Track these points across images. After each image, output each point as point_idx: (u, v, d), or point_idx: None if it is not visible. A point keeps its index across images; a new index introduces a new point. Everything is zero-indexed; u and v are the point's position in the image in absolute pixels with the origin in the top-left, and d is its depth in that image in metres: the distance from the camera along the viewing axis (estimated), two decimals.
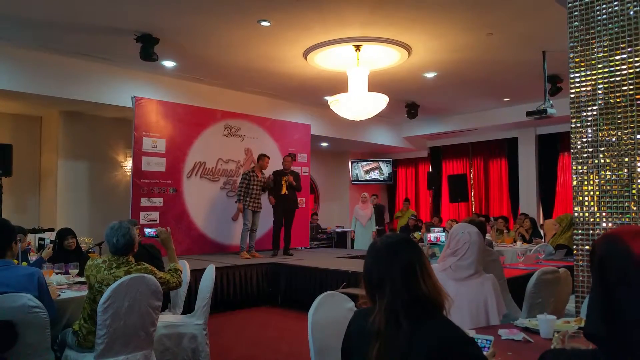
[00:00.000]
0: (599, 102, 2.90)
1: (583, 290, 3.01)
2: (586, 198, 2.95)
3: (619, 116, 2.83)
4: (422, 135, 11.53)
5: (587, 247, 2.98)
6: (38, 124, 8.36)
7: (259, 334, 5.11)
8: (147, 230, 3.71)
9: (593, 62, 2.93)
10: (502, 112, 9.92)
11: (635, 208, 2.76)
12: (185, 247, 7.37)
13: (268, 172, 7.63)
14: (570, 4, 3.04)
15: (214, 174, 8.02)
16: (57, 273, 3.82)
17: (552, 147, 10.32)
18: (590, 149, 2.93)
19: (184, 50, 6.48)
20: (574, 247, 3.06)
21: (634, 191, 2.77)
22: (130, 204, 7.02)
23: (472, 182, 11.56)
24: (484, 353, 1.55)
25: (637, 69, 2.78)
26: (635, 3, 2.80)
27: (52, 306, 2.73)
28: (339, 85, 7.34)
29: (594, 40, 2.93)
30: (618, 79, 2.84)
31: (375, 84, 7.06)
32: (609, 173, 2.86)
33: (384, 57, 6.64)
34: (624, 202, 2.81)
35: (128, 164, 8.24)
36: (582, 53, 2.97)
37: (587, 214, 2.95)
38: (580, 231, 2.99)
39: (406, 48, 6.31)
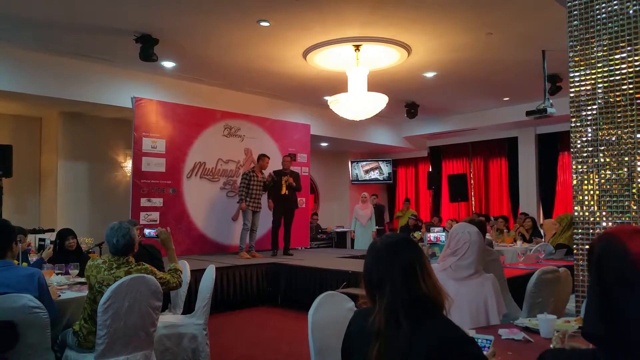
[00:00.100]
0: (599, 101, 2.90)
1: (583, 289, 3.01)
2: (586, 197, 2.95)
3: (619, 115, 2.83)
4: (422, 135, 11.53)
5: (587, 247, 2.98)
6: (38, 124, 8.37)
7: (259, 334, 5.11)
8: (147, 231, 3.71)
9: (593, 61, 2.93)
10: (502, 111, 9.92)
11: (635, 207, 2.76)
12: (185, 248, 7.37)
13: (268, 171, 7.63)
14: (569, 4, 3.03)
15: (214, 174, 8.03)
16: (57, 273, 3.82)
17: (552, 147, 10.32)
18: (590, 148, 2.93)
19: (183, 50, 6.48)
20: (574, 246, 3.06)
21: (634, 190, 2.77)
22: (130, 204, 7.02)
23: (472, 181, 11.56)
24: (484, 353, 1.55)
25: (637, 68, 2.78)
26: (634, 2, 2.79)
27: (52, 307, 2.73)
28: (338, 85, 7.34)
29: (593, 40, 2.93)
30: (618, 78, 2.84)
31: (375, 84, 7.06)
32: (609, 172, 2.86)
33: (384, 57, 6.64)
34: (624, 201, 2.80)
35: (128, 165, 8.25)
36: (582, 52, 2.97)
37: (587, 214, 2.95)
38: (580, 230, 2.99)
39: (406, 48, 6.31)
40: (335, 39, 6.05)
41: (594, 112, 2.91)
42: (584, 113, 2.95)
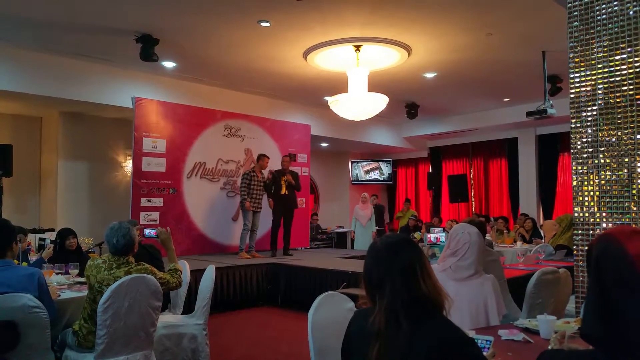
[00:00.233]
0: (599, 102, 2.90)
1: (583, 290, 3.01)
2: (586, 198, 2.95)
3: (619, 116, 2.83)
4: (422, 135, 11.53)
5: (587, 248, 2.98)
6: (38, 124, 8.37)
7: (258, 334, 5.11)
8: (147, 231, 3.70)
9: (593, 62, 2.93)
10: (502, 112, 9.92)
11: (635, 208, 2.76)
12: (185, 248, 7.37)
13: (267, 171, 7.63)
14: (569, 4, 3.03)
15: (214, 175, 8.03)
16: (57, 273, 3.82)
17: (552, 147, 10.32)
18: (590, 149, 2.93)
19: (183, 50, 6.48)
20: (574, 247, 3.06)
21: (634, 191, 2.77)
22: (130, 204, 7.02)
23: (472, 182, 11.56)
24: (484, 353, 1.55)
25: (637, 69, 2.78)
26: (634, 3, 2.79)
27: (52, 306, 2.74)
28: (338, 85, 7.34)
29: (593, 40, 2.93)
30: (618, 79, 2.84)
31: (375, 84, 7.06)
32: (609, 173, 2.86)
33: (384, 58, 6.64)
34: (624, 202, 2.80)
35: (128, 165, 8.25)
36: (582, 53, 2.97)
37: (587, 214, 2.95)
38: (580, 231, 2.99)
39: (406, 48, 6.32)
40: (335, 39, 6.06)
41: (594, 113, 2.91)
42: (584, 114, 2.95)
